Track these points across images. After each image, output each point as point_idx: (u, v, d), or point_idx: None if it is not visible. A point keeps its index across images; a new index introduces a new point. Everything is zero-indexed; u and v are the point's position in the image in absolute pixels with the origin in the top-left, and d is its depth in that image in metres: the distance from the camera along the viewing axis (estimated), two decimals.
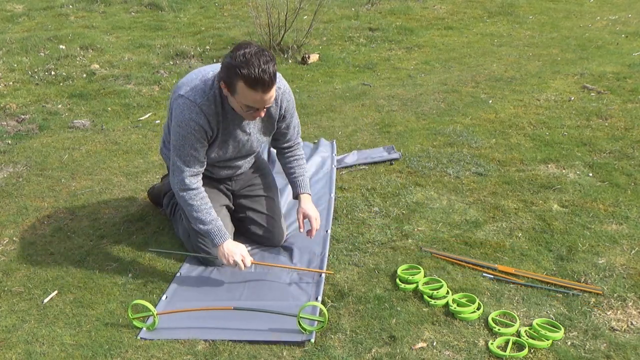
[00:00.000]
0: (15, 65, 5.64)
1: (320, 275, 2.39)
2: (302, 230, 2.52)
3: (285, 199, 3.07)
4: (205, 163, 2.36)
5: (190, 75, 2.30)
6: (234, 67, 2.04)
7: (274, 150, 2.87)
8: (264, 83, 2.04)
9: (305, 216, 2.52)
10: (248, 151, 2.48)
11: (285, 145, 2.58)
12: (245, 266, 2.32)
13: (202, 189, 2.35)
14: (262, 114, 2.20)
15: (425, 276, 2.36)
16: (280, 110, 2.38)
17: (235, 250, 2.32)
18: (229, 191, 2.64)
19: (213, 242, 2.35)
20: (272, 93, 2.11)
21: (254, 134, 2.40)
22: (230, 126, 2.31)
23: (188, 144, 2.24)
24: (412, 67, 5.76)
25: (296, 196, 2.60)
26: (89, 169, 3.53)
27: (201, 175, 2.37)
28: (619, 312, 2.15)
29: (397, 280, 2.34)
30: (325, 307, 2.16)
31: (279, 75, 2.23)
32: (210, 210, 2.34)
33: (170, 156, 2.35)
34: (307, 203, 2.56)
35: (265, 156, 3.47)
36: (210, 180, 2.53)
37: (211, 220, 2.33)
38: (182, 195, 2.33)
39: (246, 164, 2.58)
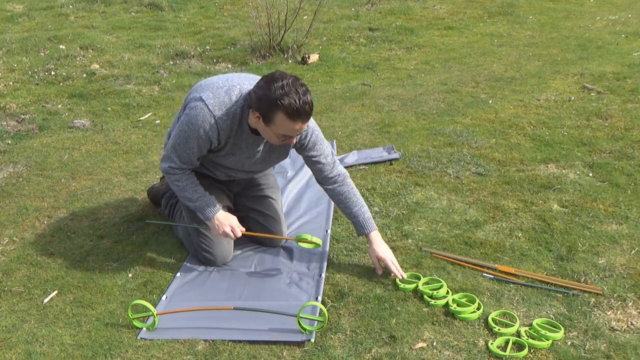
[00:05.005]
0: (15, 65, 5.64)
1: (320, 275, 2.39)
2: (380, 272, 2.39)
3: (285, 198, 3.07)
4: (198, 164, 2.37)
5: (216, 81, 2.27)
6: (274, 99, 2.06)
7: None
8: (305, 114, 2.10)
9: (379, 259, 2.37)
10: (250, 168, 2.47)
11: (330, 176, 2.41)
12: (235, 236, 2.38)
13: (189, 170, 2.37)
14: (294, 141, 2.24)
15: (425, 276, 2.36)
16: (300, 137, 2.30)
17: (225, 222, 2.37)
18: (230, 192, 2.64)
19: (204, 216, 2.37)
20: (308, 121, 2.17)
21: (263, 152, 2.40)
22: (242, 144, 2.31)
23: (189, 146, 2.26)
24: (412, 67, 5.76)
25: (361, 235, 2.47)
26: (89, 169, 3.53)
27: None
28: (619, 312, 2.15)
29: (397, 280, 2.34)
30: (325, 307, 2.17)
31: None
32: (197, 188, 2.37)
33: (167, 143, 2.37)
34: (378, 244, 2.39)
35: None
36: (212, 181, 2.54)
37: (199, 197, 2.36)
38: (169, 177, 2.37)
39: (247, 176, 2.60)
